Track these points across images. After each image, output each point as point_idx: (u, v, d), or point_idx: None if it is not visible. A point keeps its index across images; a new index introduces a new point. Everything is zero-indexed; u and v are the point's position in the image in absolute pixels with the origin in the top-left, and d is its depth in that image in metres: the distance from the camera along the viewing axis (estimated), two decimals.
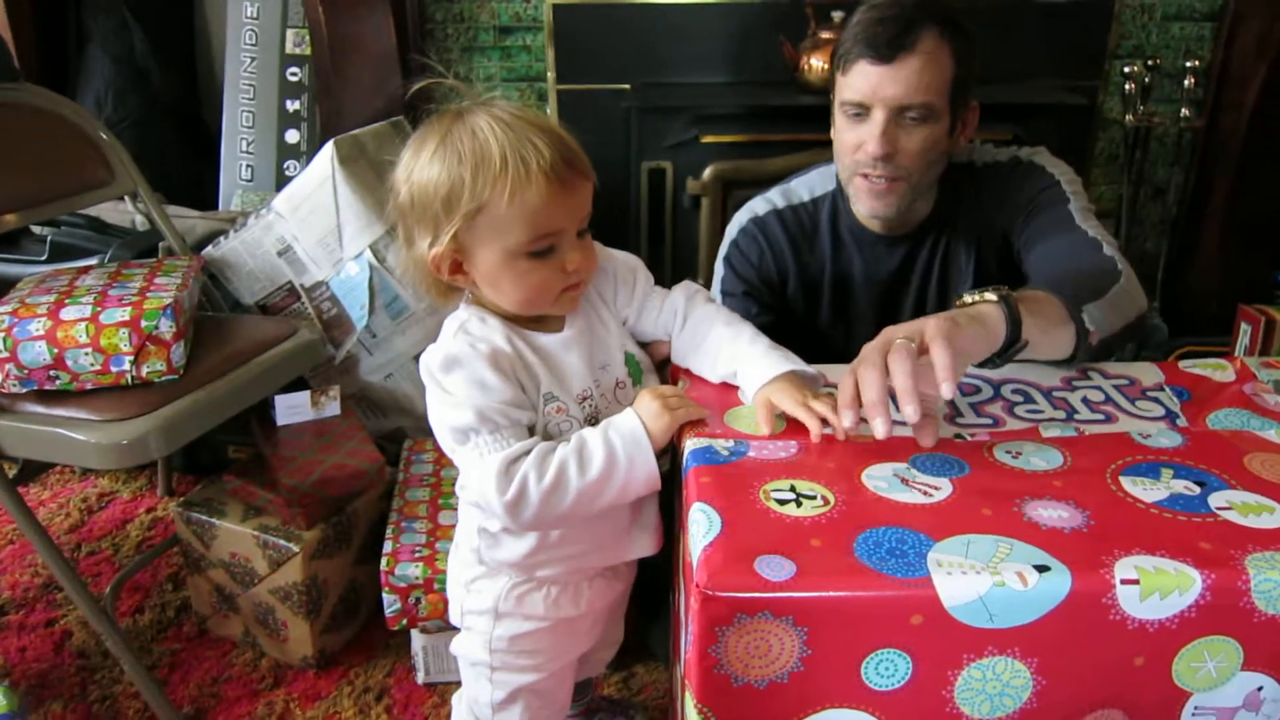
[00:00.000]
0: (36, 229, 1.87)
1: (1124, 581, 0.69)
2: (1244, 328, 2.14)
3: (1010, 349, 0.97)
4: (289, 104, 2.50)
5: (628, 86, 2.31)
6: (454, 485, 1.04)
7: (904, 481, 0.84)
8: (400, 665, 1.54)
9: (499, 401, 0.91)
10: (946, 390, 0.85)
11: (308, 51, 2.49)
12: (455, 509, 1.24)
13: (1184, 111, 2.42)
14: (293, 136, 2.49)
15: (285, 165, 2.48)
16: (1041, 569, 0.70)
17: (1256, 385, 1.04)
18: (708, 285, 2.29)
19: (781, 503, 0.80)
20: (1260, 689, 0.75)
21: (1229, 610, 0.71)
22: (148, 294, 1.39)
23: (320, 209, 1.77)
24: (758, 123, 2.24)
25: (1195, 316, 2.58)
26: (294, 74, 2.51)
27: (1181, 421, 0.95)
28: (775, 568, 0.71)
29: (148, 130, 2.50)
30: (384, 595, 1.42)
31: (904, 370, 0.86)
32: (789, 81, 2.25)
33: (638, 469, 0.91)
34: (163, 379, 1.36)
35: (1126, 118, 2.42)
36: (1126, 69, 2.39)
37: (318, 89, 2.39)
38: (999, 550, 0.73)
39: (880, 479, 0.84)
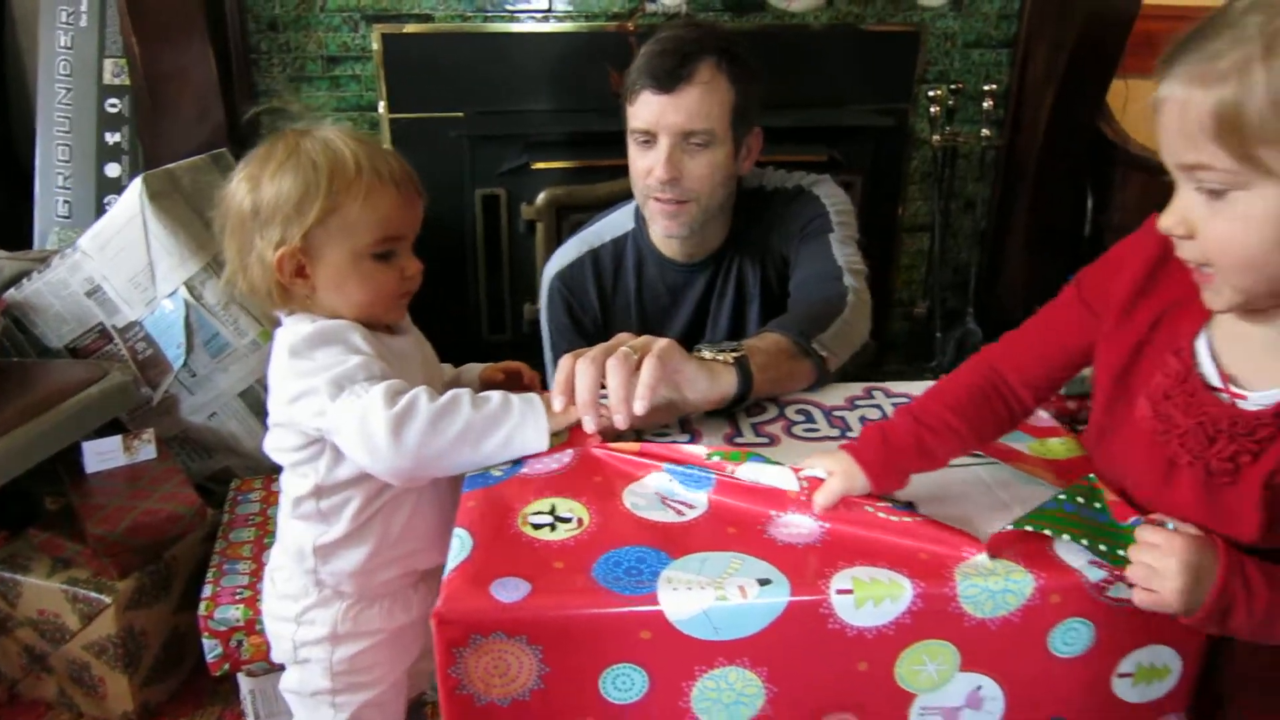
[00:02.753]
0: None
1: (839, 592, 0.76)
2: None
3: (742, 401, 1.07)
4: (109, 136, 2.42)
5: (461, 114, 2.33)
6: (278, 519, 1.06)
7: (663, 500, 0.89)
8: (229, 712, 1.52)
9: (375, 368, 0.94)
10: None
11: (127, 82, 2.42)
12: None
13: (985, 131, 2.61)
14: (113, 170, 2.41)
15: (106, 200, 2.40)
16: (764, 582, 0.76)
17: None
18: None
19: (536, 527, 0.84)
20: (979, 688, 0.82)
21: (941, 615, 0.78)
22: None
23: (130, 246, 1.73)
24: (588, 149, 2.30)
25: (1006, 321, 2.77)
26: (113, 105, 2.43)
27: None
28: (510, 589, 0.75)
29: None
30: (204, 640, 1.40)
31: (618, 379, 0.94)
32: (616, 110, 2.32)
33: (529, 427, 0.95)
34: None
35: (934, 138, 2.59)
36: (932, 93, 2.55)
37: (138, 121, 2.33)
38: (730, 566, 0.79)
39: (641, 497, 0.89)
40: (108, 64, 2.43)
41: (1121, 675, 0.84)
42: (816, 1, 2.25)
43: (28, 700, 1.55)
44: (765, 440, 1.04)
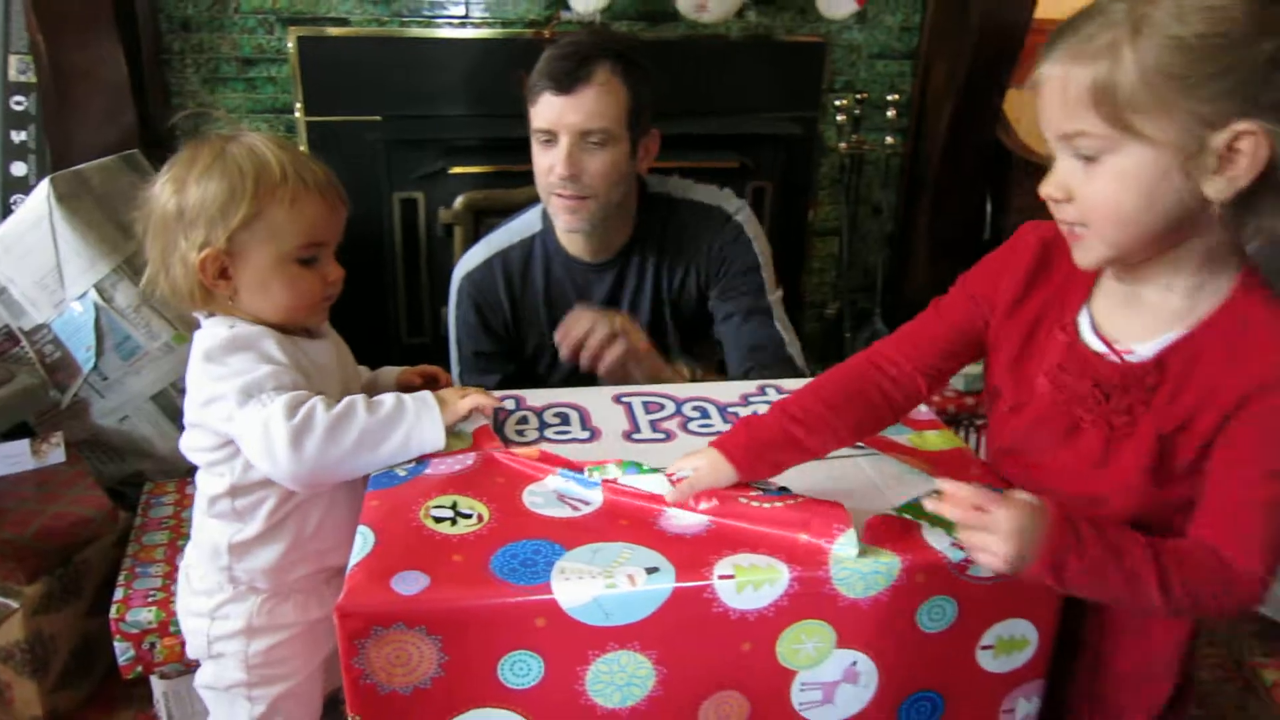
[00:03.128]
0: None
1: (721, 577, 0.82)
2: None
3: None
4: (14, 135, 2.37)
5: (379, 118, 2.35)
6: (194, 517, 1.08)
7: (560, 498, 0.94)
8: (143, 715, 1.52)
9: (285, 377, 0.97)
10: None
11: (34, 79, 2.37)
12: None
13: (889, 139, 2.72)
14: (19, 169, 2.36)
15: (12, 200, 2.35)
16: (651, 570, 0.82)
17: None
18: None
19: (438, 520, 0.88)
20: (855, 664, 0.88)
21: (817, 597, 0.84)
22: None
23: (37, 248, 1.72)
24: (505, 154, 2.33)
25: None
26: (19, 103, 2.38)
27: None
28: (410, 582, 0.79)
29: None
30: (116, 643, 1.41)
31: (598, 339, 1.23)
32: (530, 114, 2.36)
33: (425, 425, 0.98)
34: None
35: (841, 145, 2.69)
36: (838, 102, 2.66)
37: (45, 119, 2.29)
38: (620, 556, 0.84)
39: (539, 495, 0.94)
40: (13, 60, 2.37)
41: (984, 647, 0.91)
42: (727, 13, 2.32)
43: None
44: (661, 436, 1.09)
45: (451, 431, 1.02)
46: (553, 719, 0.84)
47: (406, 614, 0.78)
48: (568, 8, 2.31)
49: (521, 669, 0.82)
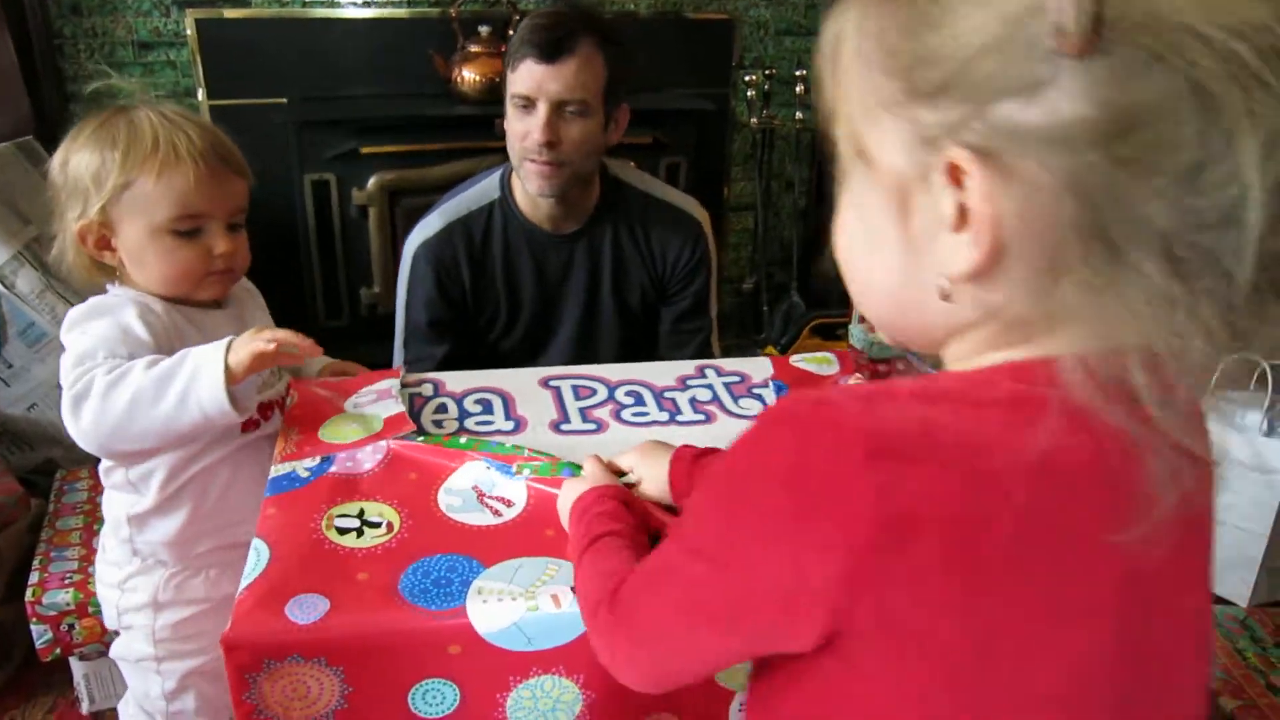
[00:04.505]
0: None
1: None
2: None
3: None
4: None
5: (284, 100, 2.32)
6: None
7: (480, 497, 0.87)
8: (63, 700, 1.48)
9: (135, 346, 0.94)
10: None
11: None
12: None
13: (799, 115, 2.78)
14: None
15: None
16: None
17: (851, 378, 1.16)
18: (387, 292, 2.36)
19: (342, 532, 0.81)
20: None
21: None
22: None
23: None
24: (418, 133, 2.33)
25: (827, 292, 2.97)
26: None
27: None
28: (307, 609, 0.71)
29: None
30: (33, 626, 1.37)
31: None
32: (444, 93, 2.36)
33: (202, 380, 0.90)
34: None
35: (752, 121, 2.74)
36: (748, 78, 2.71)
37: None
38: (545, 572, 0.76)
39: (456, 494, 0.87)
40: None
41: None
42: None
43: None
44: (593, 426, 1.02)
45: (359, 418, 0.96)
46: None
47: (302, 645, 0.69)
48: None
49: (435, 697, 0.74)
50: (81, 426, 0.91)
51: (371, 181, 2.31)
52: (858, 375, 1.16)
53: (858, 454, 0.43)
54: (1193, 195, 0.40)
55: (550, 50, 1.35)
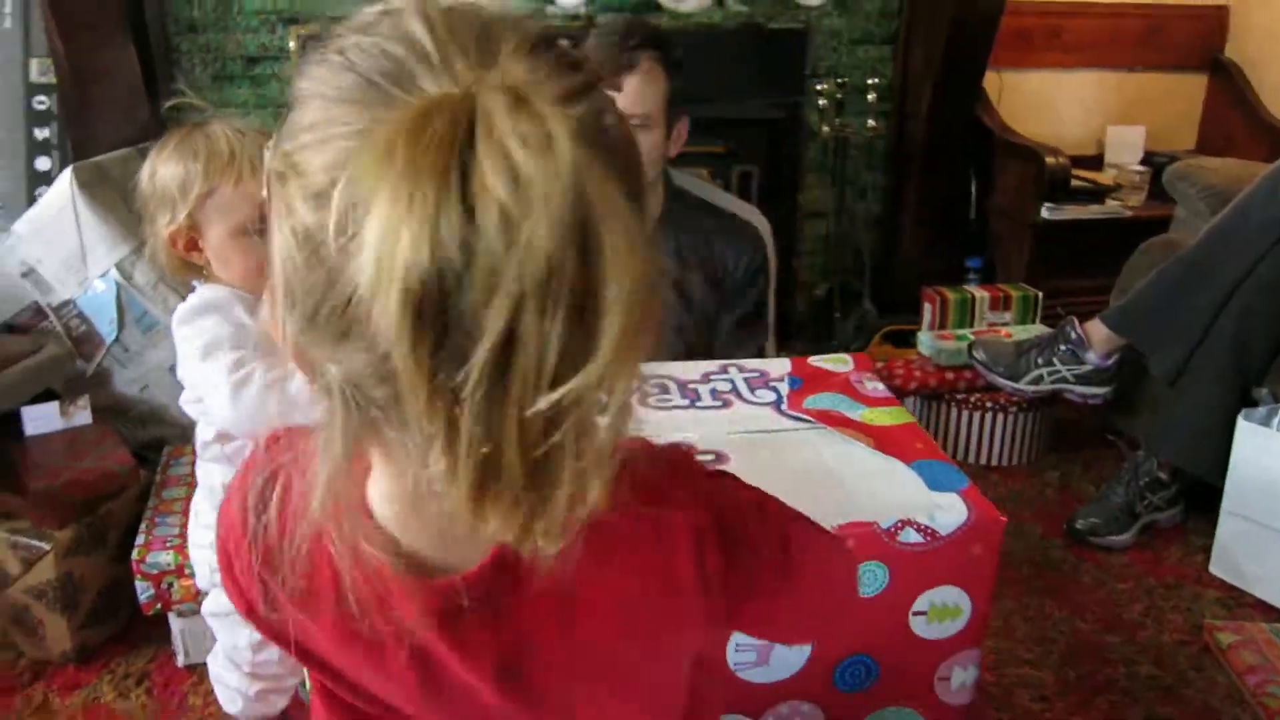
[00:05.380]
0: None
1: None
2: (927, 306, 2.53)
3: None
4: (37, 132, 2.51)
5: None
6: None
7: None
8: (162, 651, 1.64)
9: (245, 336, 1.09)
10: None
11: (54, 80, 2.52)
12: None
13: (871, 122, 2.82)
14: (44, 164, 2.51)
15: (37, 192, 2.49)
16: None
17: (864, 376, 1.22)
18: None
19: None
20: None
21: None
22: None
23: (63, 232, 1.86)
24: None
25: (899, 300, 2.99)
26: (41, 102, 2.52)
27: (784, 404, 1.14)
28: None
29: None
30: (137, 583, 1.54)
31: None
32: None
33: None
34: None
35: (824, 129, 2.79)
36: (820, 86, 2.76)
37: (66, 117, 2.43)
38: None
39: None
40: (34, 63, 2.52)
41: (917, 614, 0.94)
42: (702, 2, 2.43)
43: None
44: None
45: None
46: None
47: None
48: (554, 3, 2.43)
49: None
50: (237, 410, 1.04)
51: None
52: (870, 375, 1.22)
53: None
54: None
55: (613, 67, 1.44)
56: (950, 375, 2.35)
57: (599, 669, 0.56)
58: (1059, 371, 2.12)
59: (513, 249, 0.39)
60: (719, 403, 1.15)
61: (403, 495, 0.51)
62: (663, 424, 1.10)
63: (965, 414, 2.32)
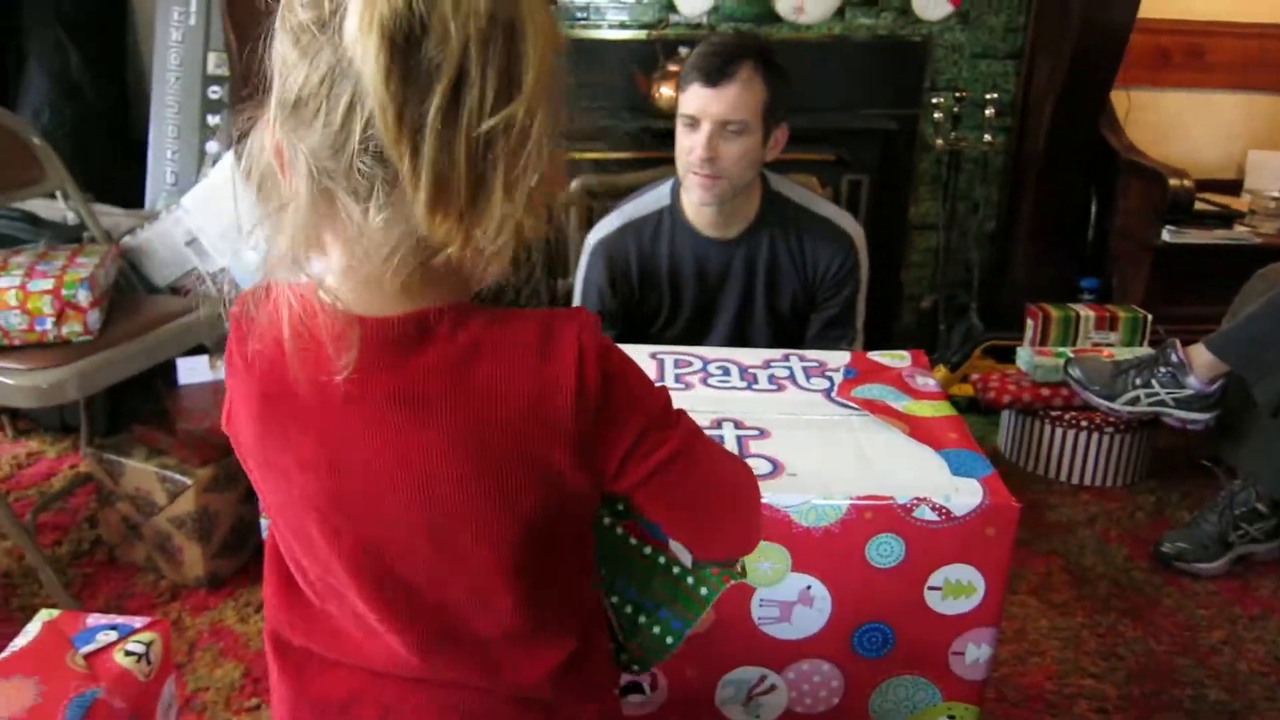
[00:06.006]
0: None
1: None
2: (1029, 323, 2.52)
3: None
4: (210, 118, 2.81)
5: None
6: None
7: None
8: None
9: None
10: None
11: (227, 72, 2.81)
12: None
13: (988, 137, 2.82)
14: (213, 147, 2.79)
15: (205, 172, 2.78)
16: None
17: (918, 371, 1.27)
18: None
19: None
20: (809, 587, 0.97)
21: (771, 522, 0.95)
22: (68, 269, 1.70)
23: (222, 206, 2.09)
24: (616, 141, 2.59)
25: (1007, 314, 2.97)
26: (214, 92, 2.81)
27: (834, 391, 1.21)
28: None
29: (82, 138, 2.80)
30: (261, 521, 1.73)
31: None
32: (645, 108, 2.62)
33: None
34: (79, 339, 1.67)
35: (939, 142, 2.81)
36: (937, 99, 2.79)
37: (235, 105, 2.71)
38: None
39: None
40: (211, 56, 2.82)
41: (932, 588, 0.98)
42: (823, 14, 2.50)
43: (123, 562, 1.90)
44: (681, 386, 1.22)
45: None
46: None
47: None
48: (676, 12, 2.55)
49: None
50: None
51: (574, 183, 2.59)
52: (924, 371, 1.28)
53: None
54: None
55: (714, 76, 1.54)
56: (1046, 392, 2.35)
57: (471, 454, 0.64)
58: (1157, 394, 2.09)
59: (460, 6, 0.54)
60: (774, 387, 1.22)
61: (345, 267, 0.64)
62: (717, 401, 1.18)
63: (1060, 431, 2.32)
